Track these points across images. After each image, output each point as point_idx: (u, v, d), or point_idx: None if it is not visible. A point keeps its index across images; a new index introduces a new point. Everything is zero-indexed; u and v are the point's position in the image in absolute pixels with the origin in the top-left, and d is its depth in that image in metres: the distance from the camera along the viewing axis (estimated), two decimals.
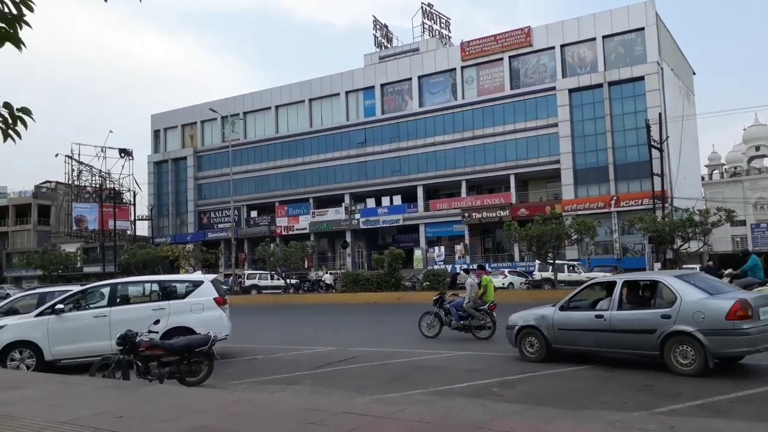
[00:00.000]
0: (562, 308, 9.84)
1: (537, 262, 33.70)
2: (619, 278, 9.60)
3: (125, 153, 64.05)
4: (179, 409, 6.20)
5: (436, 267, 41.15)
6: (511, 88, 49.85)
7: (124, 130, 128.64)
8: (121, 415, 5.88)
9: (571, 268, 33.11)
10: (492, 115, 49.88)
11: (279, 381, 9.29)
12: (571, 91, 46.66)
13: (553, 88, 47.41)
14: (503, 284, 33.38)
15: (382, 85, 55.76)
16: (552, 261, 30.56)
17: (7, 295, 24.49)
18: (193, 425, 5.43)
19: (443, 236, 52.11)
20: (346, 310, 26.26)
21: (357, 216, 54.47)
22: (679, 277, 9.00)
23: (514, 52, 49.94)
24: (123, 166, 64.09)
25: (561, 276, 31.17)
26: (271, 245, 41.42)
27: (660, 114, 40.43)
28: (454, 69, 52.33)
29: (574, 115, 46.56)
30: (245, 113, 61.41)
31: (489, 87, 50.93)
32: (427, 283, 31.33)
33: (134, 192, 63.27)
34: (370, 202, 55.28)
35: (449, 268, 40.73)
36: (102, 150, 62.67)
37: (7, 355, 10.49)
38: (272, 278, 40.98)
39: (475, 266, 25.28)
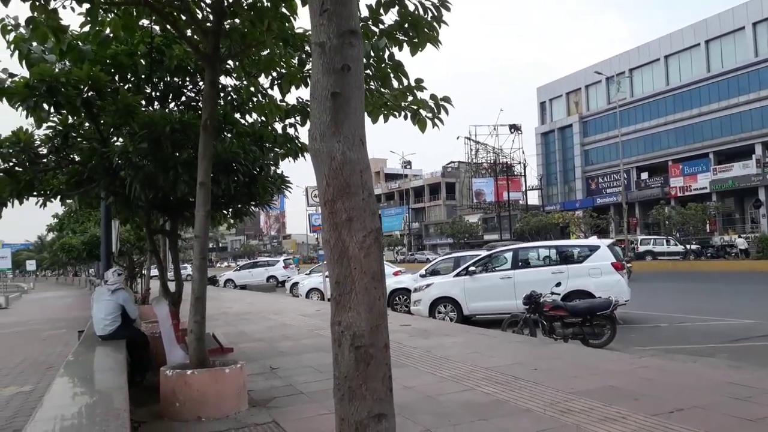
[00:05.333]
0: None
1: None
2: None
3: (514, 128, 68.77)
4: (587, 368, 6.45)
5: None
6: None
7: (512, 107, 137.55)
8: (535, 368, 6.46)
9: None
10: None
11: (688, 351, 8.65)
12: None
13: None
14: None
15: None
16: None
17: (428, 260, 29.17)
18: (605, 384, 5.60)
19: None
20: (763, 279, 22.49)
21: None
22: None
23: None
24: (513, 141, 69.15)
25: None
26: (666, 208, 39.02)
27: None
28: None
29: None
30: (630, 70, 57.86)
31: None
32: None
33: (524, 164, 67.46)
34: None
35: None
36: (494, 128, 68.45)
37: (434, 308, 12.63)
38: (668, 243, 38.45)
39: None
